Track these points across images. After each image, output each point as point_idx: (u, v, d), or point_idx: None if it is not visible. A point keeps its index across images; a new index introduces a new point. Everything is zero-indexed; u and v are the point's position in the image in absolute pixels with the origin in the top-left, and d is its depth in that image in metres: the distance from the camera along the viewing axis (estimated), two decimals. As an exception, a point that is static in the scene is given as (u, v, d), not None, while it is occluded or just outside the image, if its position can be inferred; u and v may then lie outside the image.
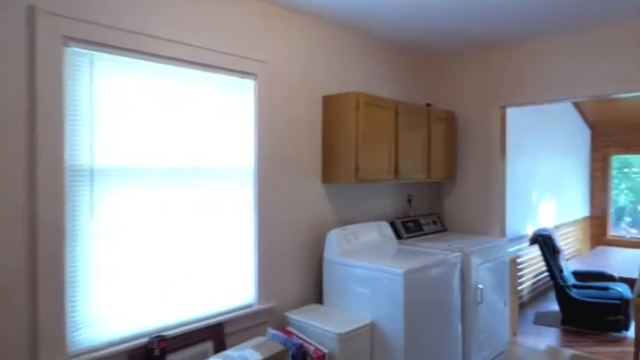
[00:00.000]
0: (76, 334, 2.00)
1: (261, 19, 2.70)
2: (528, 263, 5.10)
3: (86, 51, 2.00)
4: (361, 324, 2.56)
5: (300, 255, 2.95)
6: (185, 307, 2.37)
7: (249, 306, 2.66)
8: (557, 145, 5.89)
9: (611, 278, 4.61)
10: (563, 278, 4.42)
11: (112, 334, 2.10)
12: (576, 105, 6.33)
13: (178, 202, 2.33)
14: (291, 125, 2.88)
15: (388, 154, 3.15)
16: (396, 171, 3.20)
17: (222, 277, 2.54)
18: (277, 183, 2.79)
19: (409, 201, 3.84)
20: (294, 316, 2.69)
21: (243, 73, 2.60)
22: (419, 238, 3.51)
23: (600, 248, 6.32)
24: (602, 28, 3.19)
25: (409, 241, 3.40)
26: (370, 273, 2.66)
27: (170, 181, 2.30)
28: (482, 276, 3.19)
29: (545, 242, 4.53)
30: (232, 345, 2.50)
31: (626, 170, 7.41)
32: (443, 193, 4.08)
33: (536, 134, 5.27)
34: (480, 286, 3.14)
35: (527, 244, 4.75)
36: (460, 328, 3.02)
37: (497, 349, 3.41)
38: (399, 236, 3.41)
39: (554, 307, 4.99)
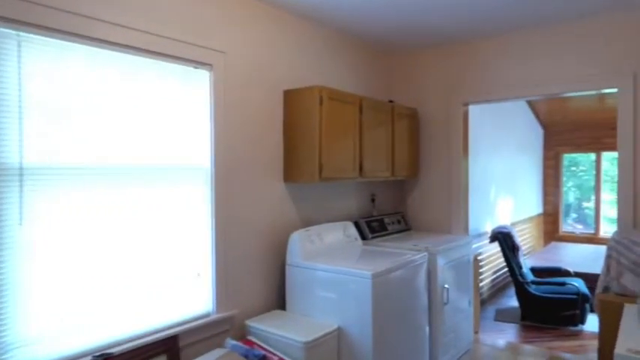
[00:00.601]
0: (6, 356, 1.74)
1: (219, 6, 2.51)
2: (487, 260, 5.16)
3: (12, 31, 1.74)
4: (327, 330, 2.42)
5: (262, 259, 2.78)
6: (135, 320, 2.14)
7: (207, 315, 2.46)
8: (512, 144, 6.02)
9: (567, 274, 4.74)
10: (522, 275, 4.49)
11: (50, 355, 1.85)
12: (530, 105, 6.51)
13: (124, 204, 2.10)
14: (251, 121, 2.70)
15: (353, 151, 3.04)
16: (361, 169, 3.10)
17: (176, 285, 2.33)
18: (236, 182, 2.61)
19: (372, 200, 3.75)
20: (255, 324, 2.52)
21: (198, 63, 2.40)
22: (383, 238, 3.42)
23: (553, 244, 6.54)
24: (566, 26, 3.23)
25: (374, 241, 3.30)
26: (336, 276, 2.53)
27: (115, 181, 2.07)
28: (448, 275, 3.14)
29: (505, 240, 4.59)
30: (188, 359, 2.29)
31: (573, 169, 7.74)
32: (406, 192, 4.03)
33: (493, 132, 5.35)
34: (446, 286, 3.09)
35: (488, 241, 4.80)
36: (427, 330, 2.95)
37: (462, 348, 3.38)
38: (363, 237, 3.31)
39: (513, 302, 5.08)
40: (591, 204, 7.54)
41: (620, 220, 3.01)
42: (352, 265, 2.57)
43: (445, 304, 3.08)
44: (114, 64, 2.06)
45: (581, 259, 5.66)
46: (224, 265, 2.53)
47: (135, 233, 2.15)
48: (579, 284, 4.34)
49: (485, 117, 5.12)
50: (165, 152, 2.26)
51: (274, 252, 2.86)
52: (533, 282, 4.45)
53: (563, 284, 4.31)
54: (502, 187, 5.70)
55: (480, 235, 4.84)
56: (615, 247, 2.55)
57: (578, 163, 7.71)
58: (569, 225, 7.24)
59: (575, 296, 4.19)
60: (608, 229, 6.96)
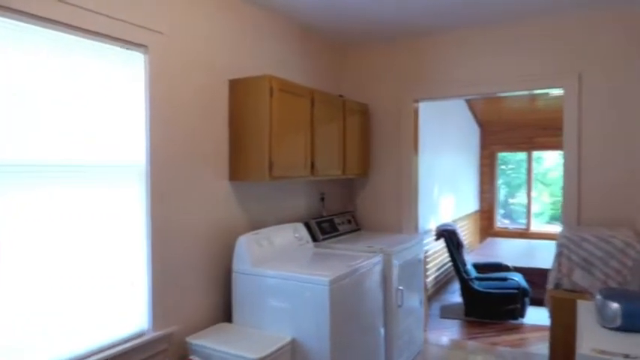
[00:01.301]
0: None
1: (153, -20, 2.18)
2: (432, 257, 5.20)
3: None
4: (280, 344, 2.20)
5: (205, 266, 2.49)
6: (54, 346, 1.78)
7: (141, 334, 2.14)
8: (453, 142, 6.14)
9: (506, 269, 4.88)
10: (467, 272, 4.54)
11: None
12: (469, 104, 6.69)
13: (40, 208, 1.74)
14: (193, 112, 2.40)
15: (304, 148, 2.83)
16: (313, 167, 2.90)
17: (104, 301, 1.98)
18: (175, 181, 2.30)
19: (322, 199, 3.57)
20: (198, 341, 2.23)
21: (131, 44, 2.07)
22: (335, 239, 3.25)
23: (489, 240, 6.79)
24: (514, 25, 3.24)
25: (325, 243, 3.12)
26: (290, 284, 2.31)
27: (27, 181, 1.70)
28: (402, 276, 3.04)
29: (450, 237, 4.62)
30: (119, 388, 1.97)
31: (503, 167, 8.12)
32: (355, 191, 3.90)
33: (435, 131, 5.39)
34: (401, 288, 2.99)
35: (433, 239, 4.82)
36: (383, 334, 2.83)
37: (415, 350, 3.31)
38: (314, 238, 3.11)
39: (456, 299, 5.15)
40: (517, 200, 7.98)
41: (565, 218, 3.07)
42: (307, 270, 2.36)
43: (400, 306, 2.98)
44: (28, 41, 1.68)
45: (516, 253, 5.90)
46: (161, 274, 2.21)
47: (57, 239, 1.78)
48: (519, 279, 4.47)
49: (429, 115, 5.13)
50: (93, 147, 1.91)
51: (219, 258, 2.58)
52: (477, 278, 4.52)
53: (505, 279, 4.42)
54: (444, 185, 5.79)
55: (425, 233, 4.85)
56: (566, 244, 2.57)
57: (507, 161, 8.09)
58: (499, 221, 7.57)
59: (516, 291, 4.31)
60: (539, 225, 7.37)
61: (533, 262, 5.26)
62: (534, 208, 10.97)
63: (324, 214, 3.53)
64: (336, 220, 3.43)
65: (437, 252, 5.31)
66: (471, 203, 7.03)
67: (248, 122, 2.56)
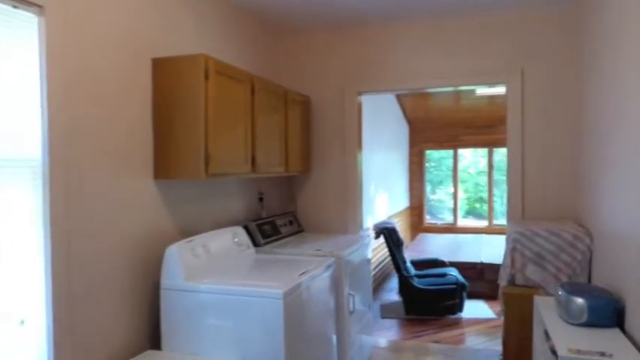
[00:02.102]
0: None
1: None
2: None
3: None
4: (225, 372, 1.85)
5: (126, 285, 2.05)
6: None
7: (42, 378, 1.66)
8: (385, 139, 6.10)
9: (442, 264, 4.90)
10: (407, 269, 4.47)
11: None
12: (399, 101, 6.71)
13: None
14: (105, 95, 1.95)
15: (244, 141, 2.49)
16: (254, 162, 2.57)
17: (-13, 341, 1.49)
18: (84, 182, 1.84)
19: (260, 199, 3.24)
20: (120, 377, 1.81)
21: (22, 2, 1.59)
22: (278, 243, 2.94)
23: (420, 235, 6.88)
24: (459, 20, 3.16)
25: (268, 247, 2.80)
26: (233, 299, 1.97)
27: None
28: (353, 280, 2.82)
29: (390, 235, 4.52)
30: None
31: (426, 165, 8.35)
32: (297, 189, 3.61)
33: (369, 126, 5.27)
34: (352, 293, 2.76)
35: (373, 237, 4.69)
36: (335, 344, 2.57)
37: (365, 355, 3.11)
38: (255, 243, 2.77)
39: (393, 297, 5.09)
40: (436, 196, 8.27)
41: (510, 213, 3.05)
42: (254, 282, 2.03)
43: (351, 312, 2.75)
44: None
45: (447, 248, 6.01)
46: (66, 301, 1.75)
47: None
48: (457, 274, 4.49)
49: (363, 110, 5.00)
50: (-39, 134, 1.42)
51: (144, 273, 2.15)
52: (416, 275, 4.47)
53: (444, 275, 4.41)
54: (379, 183, 5.72)
55: (364, 231, 4.70)
56: (519, 239, 2.52)
57: (429, 159, 8.32)
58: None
59: (454, 286, 4.31)
60: (466, 220, 7.65)
61: (464, 256, 5.37)
62: (451, 204, 11.53)
63: (264, 215, 3.20)
64: (278, 222, 3.12)
65: (374, 250, 5.21)
66: (402, 200, 7.08)
67: (178, 109, 2.16)
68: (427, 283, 4.41)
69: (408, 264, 4.61)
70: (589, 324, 1.88)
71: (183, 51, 2.40)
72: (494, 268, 5.02)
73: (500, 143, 7.12)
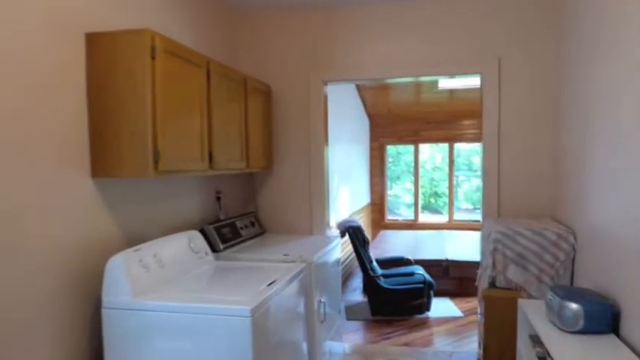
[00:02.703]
0: None
1: None
2: (334, 256, 4.87)
3: None
4: (181, 407, 1.55)
5: (59, 304, 1.69)
6: None
7: None
8: (347, 133, 5.91)
9: (408, 262, 4.77)
10: (373, 269, 4.29)
11: None
12: (360, 94, 6.53)
13: None
14: (26, 76, 1.58)
15: (200, 133, 2.17)
16: (211, 158, 2.26)
17: None
18: (1, 184, 1.48)
19: (218, 199, 2.92)
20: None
21: None
22: (239, 247, 2.65)
23: (382, 233, 6.76)
24: (432, 4, 2.98)
25: (228, 253, 2.50)
26: (192, 318, 1.67)
27: None
28: (323, 286, 2.58)
29: (355, 234, 4.32)
30: None
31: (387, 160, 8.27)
32: (257, 187, 3.31)
33: (332, 120, 5.05)
34: (323, 300, 2.52)
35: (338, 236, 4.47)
36: (306, 355, 2.32)
37: (334, 367, 2.88)
38: (213, 248, 2.47)
39: (357, 297, 4.92)
40: (393, 192, 8.23)
41: (485, 210, 2.93)
42: (216, 296, 1.74)
43: (322, 321, 2.51)
44: None
45: (410, 245, 5.92)
46: (-20, 331, 1.38)
47: None
48: (424, 272, 4.36)
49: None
50: None
51: (83, 291, 1.80)
52: (383, 275, 4.30)
53: (411, 274, 4.27)
54: (342, 178, 5.52)
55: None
56: (501, 239, 2.37)
57: (388, 154, 8.26)
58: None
59: (422, 285, 4.18)
60: (427, 216, 7.63)
61: (429, 254, 5.28)
62: (407, 199, 11.58)
63: (222, 216, 2.88)
64: (238, 224, 2.82)
65: (338, 250, 4.99)
66: (363, 196, 6.93)
67: (119, 95, 1.81)
68: (394, 282, 4.26)
69: (374, 263, 4.44)
70: (584, 331, 1.74)
71: (124, 26, 2.04)
72: (459, 265, 4.97)
73: (460, 138, 7.13)
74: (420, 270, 4.43)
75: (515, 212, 2.87)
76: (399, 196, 11.20)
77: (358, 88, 6.32)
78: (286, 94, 3.21)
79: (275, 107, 3.22)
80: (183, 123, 2.02)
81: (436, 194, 12.10)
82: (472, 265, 5.00)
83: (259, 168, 2.92)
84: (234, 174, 3.07)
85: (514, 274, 2.36)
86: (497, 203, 2.89)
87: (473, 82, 6.26)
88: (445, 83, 6.15)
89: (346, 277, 5.55)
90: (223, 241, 2.54)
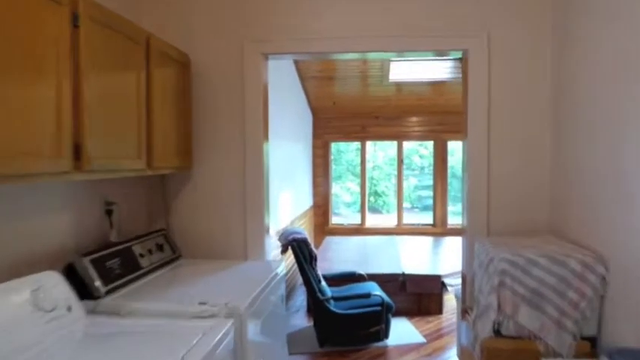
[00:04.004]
0: None
1: None
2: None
3: None
4: None
5: None
6: None
7: None
8: (289, 127, 5.12)
9: (361, 278, 4.08)
10: (322, 291, 3.55)
11: None
12: (303, 85, 5.79)
13: None
14: None
15: (55, 111, 1.29)
16: (78, 151, 1.37)
17: None
18: None
19: (108, 213, 2.01)
20: None
21: None
22: (133, 286, 1.77)
23: (328, 239, 6.05)
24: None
25: (113, 300, 1.62)
26: None
27: None
28: (262, 339, 1.78)
29: (300, 248, 3.55)
30: None
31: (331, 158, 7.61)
32: (171, 194, 2.43)
33: (271, 114, 4.23)
34: (261, 364, 1.72)
35: (279, 251, 3.67)
36: None
37: None
38: (89, 295, 1.58)
39: (299, 321, 4.16)
40: (333, 191, 7.60)
41: (471, 226, 2.28)
42: None
43: (260, 398, 1.71)
44: None
45: (359, 254, 5.27)
46: None
47: None
48: (381, 292, 3.69)
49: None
50: None
51: None
52: (334, 298, 3.57)
53: (367, 296, 3.57)
54: (284, 180, 4.73)
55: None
56: (509, 270, 1.72)
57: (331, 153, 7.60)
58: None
59: (379, 308, 3.51)
60: (374, 219, 7.03)
61: (382, 266, 4.64)
62: (347, 199, 11.09)
63: (114, 239, 1.98)
64: (137, 250, 1.93)
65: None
66: (306, 198, 6.18)
67: None
68: (347, 306, 3.55)
69: (323, 283, 3.70)
70: None
71: None
72: (416, 279, 4.37)
73: (408, 136, 6.62)
74: (376, 289, 3.76)
75: (505, 228, 2.25)
76: (339, 195, 10.68)
77: (301, 77, 5.56)
78: (213, 68, 2.36)
79: (197, 85, 2.36)
80: (20, 93, 1.13)
81: (376, 193, 11.75)
82: (431, 279, 4.46)
83: (171, 168, 2.05)
84: (134, 178, 2.17)
85: (528, 318, 1.71)
86: (487, 217, 2.25)
87: (425, 74, 5.83)
88: (397, 74, 5.58)
89: (288, 293, 4.76)
90: (107, 281, 1.65)
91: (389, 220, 8.04)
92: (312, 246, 3.74)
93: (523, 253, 1.76)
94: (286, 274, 4.53)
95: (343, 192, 10.99)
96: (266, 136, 2.46)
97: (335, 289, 3.91)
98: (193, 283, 1.85)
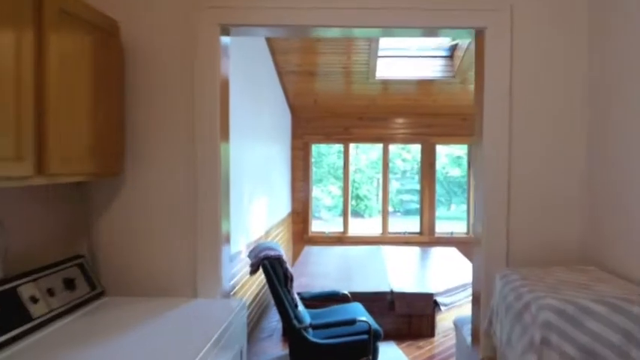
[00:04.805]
0: None
1: None
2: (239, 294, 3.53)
3: None
4: None
5: None
6: None
7: None
8: (264, 128, 4.58)
9: (345, 298, 3.55)
10: (298, 318, 3.00)
11: None
12: (281, 81, 5.25)
13: None
14: None
15: None
16: None
17: None
18: None
19: None
20: None
21: None
22: (16, 348, 1.20)
23: (307, 249, 5.51)
24: None
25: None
26: None
27: None
28: None
29: (273, 267, 3.01)
30: None
31: (312, 160, 7.09)
32: (93, 208, 1.85)
33: (243, 109, 3.68)
34: None
35: (248, 271, 3.12)
36: None
37: None
38: None
39: (273, 347, 3.64)
40: (313, 194, 7.09)
41: (486, 250, 1.78)
42: None
43: None
44: None
45: (343, 268, 4.75)
46: None
47: None
48: (368, 317, 3.16)
49: (233, 85, 3.39)
50: None
51: None
52: (313, 326, 3.03)
53: (352, 322, 3.03)
54: (258, 186, 4.18)
55: (230, 259, 3.10)
56: (556, 324, 1.22)
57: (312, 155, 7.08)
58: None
59: (366, 336, 2.99)
60: (356, 225, 6.52)
61: (368, 283, 4.13)
62: (328, 202, 10.60)
63: (0, 274, 1.40)
64: (26, 292, 1.35)
65: (244, 285, 3.67)
66: (284, 205, 5.63)
67: None
68: (329, 334, 3.01)
69: (300, 307, 3.16)
70: None
71: None
72: (406, 298, 3.88)
73: (394, 139, 6.15)
74: (362, 313, 3.24)
75: (528, 255, 1.76)
76: (320, 198, 10.20)
77: (279, 71, 5.03)
78: (153, 42, 1.80)
79: (131, 65, 1.79)
80: None
81: (358, 197, 11.31)
82: (422, 298, 3.96)
83: (82, 175, 1.48)
84: (35, 187, 1.58)
85: (580, 391, 1.22)
86: (507, 241, 1.75)
87: (413, 72, 5.37)
88: (384, 71, 5.11)
89: (260, 314, 4.21)
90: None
91: (371, 225, 7.57)
92: (289, 263, 3.20)
93: (572, 297, 1.26)
94: (257, 294, 4.00)
95: (324, 195, 10.51)
96: (225, 135, 1.91)
97: (315, 311, 3.38)
98: (109, 341, 1.29)
